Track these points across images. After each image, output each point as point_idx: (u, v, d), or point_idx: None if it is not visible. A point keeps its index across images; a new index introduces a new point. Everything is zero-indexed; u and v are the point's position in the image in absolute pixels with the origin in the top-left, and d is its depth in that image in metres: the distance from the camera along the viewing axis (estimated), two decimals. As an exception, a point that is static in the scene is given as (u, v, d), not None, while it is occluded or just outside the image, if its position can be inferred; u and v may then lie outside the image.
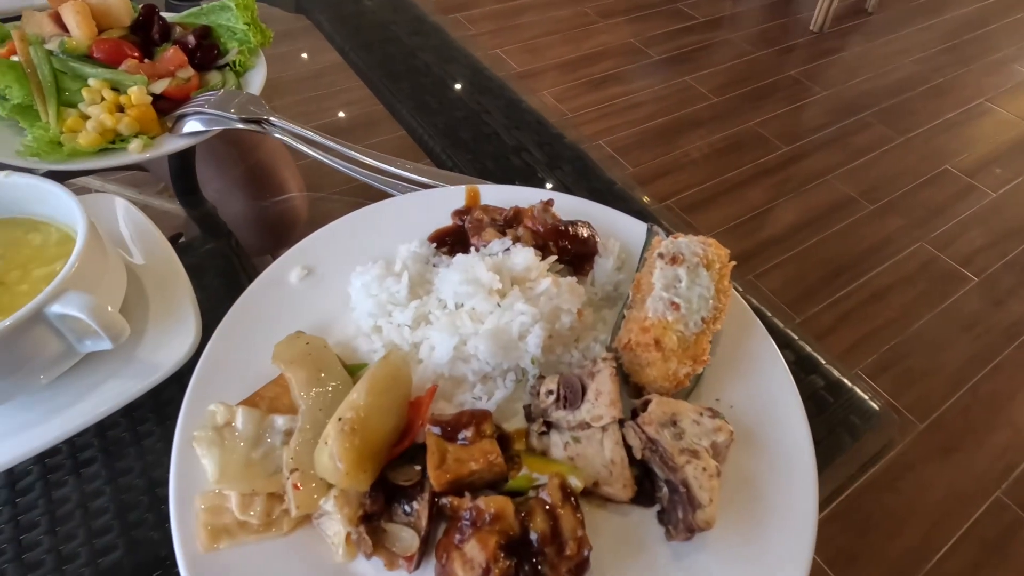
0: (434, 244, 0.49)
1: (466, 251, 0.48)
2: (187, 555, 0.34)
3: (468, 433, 0.36)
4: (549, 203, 0.47)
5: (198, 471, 0.36)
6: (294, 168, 0.66)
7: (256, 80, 0.64)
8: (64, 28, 0.58)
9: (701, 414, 0.36)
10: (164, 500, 0.35)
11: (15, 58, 0.55)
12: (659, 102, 3.07)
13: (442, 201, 0.53)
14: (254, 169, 0.68)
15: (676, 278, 0.40)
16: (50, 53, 0.56)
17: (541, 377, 0.38)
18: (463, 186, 0.53)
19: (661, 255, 0.42)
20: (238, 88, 0.63)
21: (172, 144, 0.56)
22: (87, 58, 0.58)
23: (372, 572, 0.35)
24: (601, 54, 3.46)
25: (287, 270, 0.46)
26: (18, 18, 0.63)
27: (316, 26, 0.83)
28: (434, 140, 0.65)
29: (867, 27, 3.54)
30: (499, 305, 0.39)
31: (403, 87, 0.73)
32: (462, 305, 0.40)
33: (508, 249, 0.43)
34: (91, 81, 0.56)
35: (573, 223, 0.46)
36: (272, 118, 0.56)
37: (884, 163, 2.65)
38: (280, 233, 0.63)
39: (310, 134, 0.56)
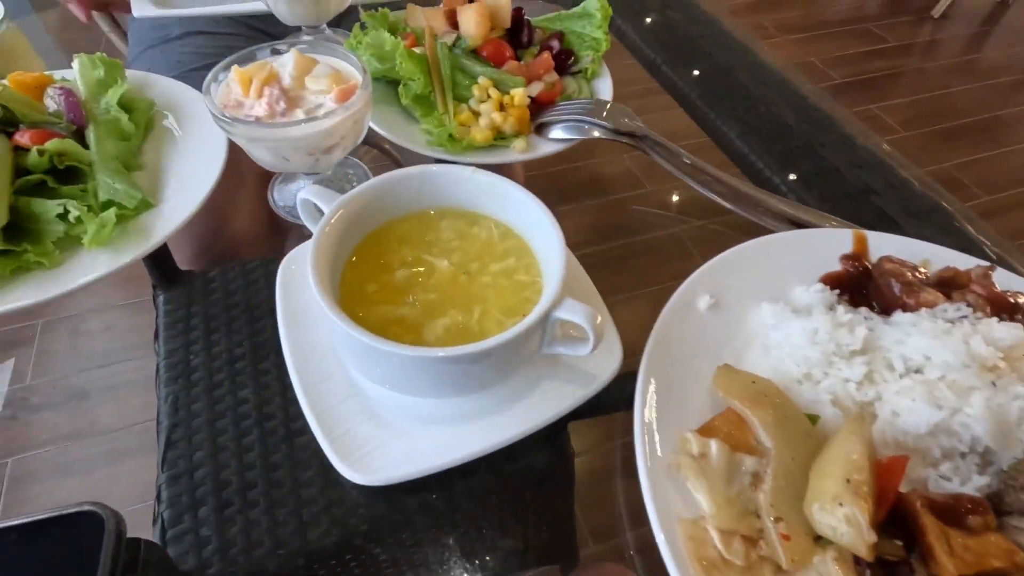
0: (829, 288, 0.47)
1: (859, 299, 0.47)
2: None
3: (972, 521, 0.33)
4: (991, 268, 0.44)
5: (669, 496, 0.37)
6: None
7: (605, 88, 0.65)
8: (455, 25, 0.61)
9: None
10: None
11: (417, 50, 0.59)
12: (840, 129, 2.85)
13: (824, 242, 0.51)
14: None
15: None
16: (450, 49, 0.59)
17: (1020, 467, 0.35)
18: (849, 229, 0.51)
19: None
20: (590, 95, 0.64)
21: (546, 147, 0.58)
22: (476, 56, 0.61)
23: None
24: (778, 71, 3.25)
25: (696, 296, 0.46)
26: (376, 7, 0.68)
27: (617, 37, 0.83)
28: (773, 171, 0.63)
29: (1105, 72, 3.10)
30: (994, 384, 0.36)
31: (725, 108, 0.71)
32: (917, 371, 0.38)
33: (966, 317, 0.40)
34: (480, 79, 0.59)
35: (1015, 293, 0.43)
36: (648, 132, 0.57)
37: (1118, 229, 2.31)
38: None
39: (684, 154, 0.55)
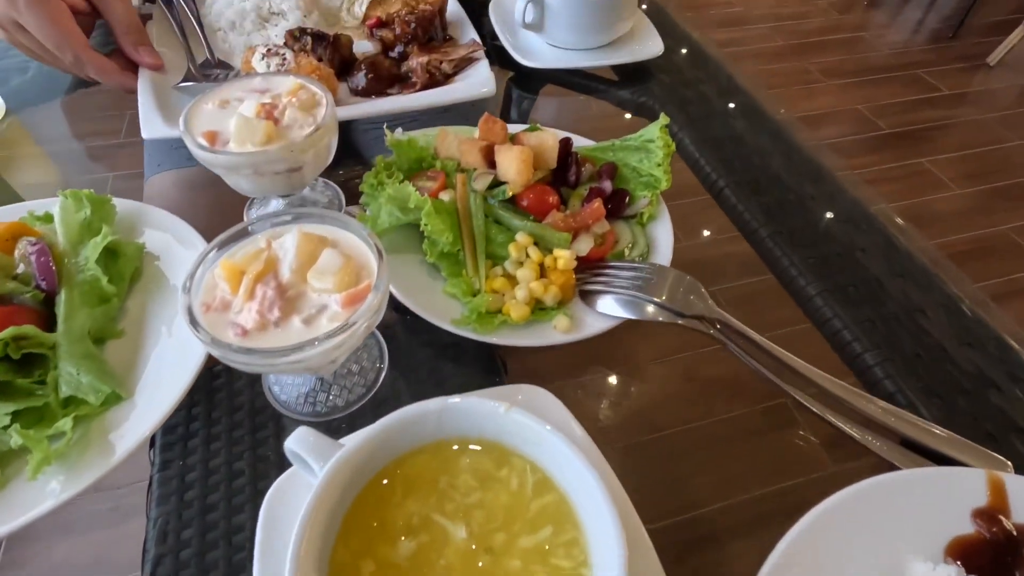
0: (958, 563, 0.36)
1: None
2: None
3: None
4: None
5: None
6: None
7: (664, 236, 0.55)
8: (492, 164, 0.52)
9: None
10: None
11: (446, 196, 0.50)
12: (888, 183, 2.72)
13: (950, 486, 0.40)
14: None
15: None
16: (484, 199, 0.50)
17: None
18: (981, 471, 0.40)
19: None
20: (647, 250, 0.54)
21: (594, 325, 0.48)
22: (514, 206, 0.52)
23: None
24: (823, 118, 3.16)
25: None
26: (393, 127, 0.59)
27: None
28: (877, 361, 0.52)
29: None
30: None
31: (801, 255, 0.61)
32: None
33: None
34: (519, 236, 0.50)
35: None
36: (720, 315, 0.46)
37: None
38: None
39: (767, 345, 0.45)
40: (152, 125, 0.61)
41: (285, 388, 0.47)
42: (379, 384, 0.48)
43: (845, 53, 3.71)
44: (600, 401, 0.49)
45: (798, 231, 0.64)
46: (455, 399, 0.36)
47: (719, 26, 3.92)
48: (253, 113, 0.47)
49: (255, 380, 0.48)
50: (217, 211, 0.60)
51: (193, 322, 0.35)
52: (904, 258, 0.61)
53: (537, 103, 0.74)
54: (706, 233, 0.63)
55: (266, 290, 0.36)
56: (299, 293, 0.37)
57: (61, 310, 0.44)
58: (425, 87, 0.66)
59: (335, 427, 0.46)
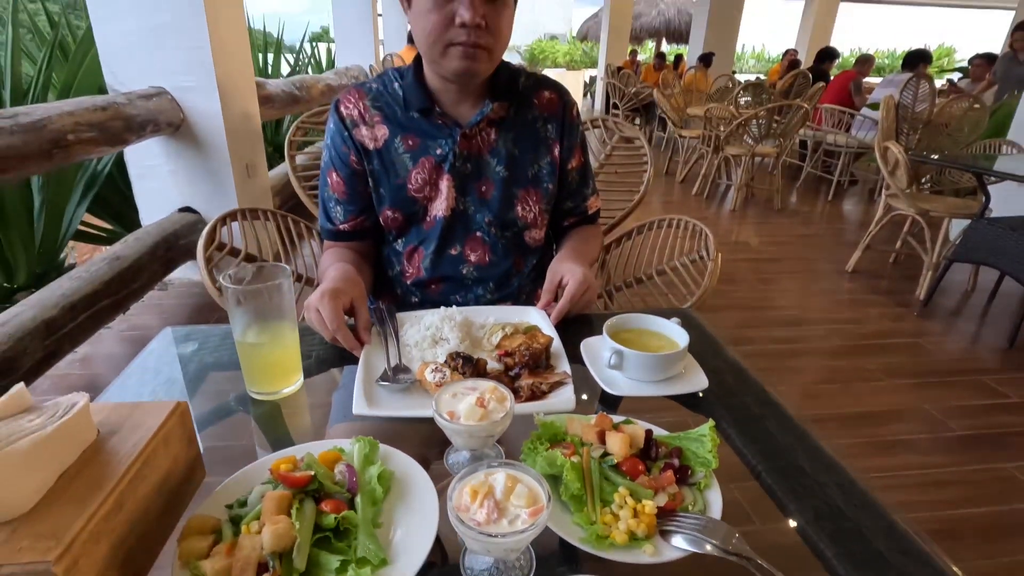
0: None
1: None
2: None
3: None
4: None
5: None
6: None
7: (715, 499, 0.84)
8: (602, 441, 0.87)
9: None
10: None
11: (575, 458, 0.84)
12: (971, 487, 2.72)
13: None
14: None
15: None
16: (599, 464, 0.84)
17: None
18: None
19: None
20: (704, 507, 0.83)
21: (669, 553, 0.75)
22: (617, 469, 0.85)
23: None
24: (888, 415, 3.31)
25: None
26: (541, 412, 0.96)
27: (724, 438, 1.05)
28: None
29: None
30: None
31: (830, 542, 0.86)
32: None
33: None
34: (620, 489, 0.81)
35: None
36: (752, 555, 0.73)
37: None
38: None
39: None
40: (360, 404, 0.99)
41: (474, 562, 0.76)
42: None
43: (904, 356, 3.99)
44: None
45: (819, 509, 0.89)
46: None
47: (778, 325, 4.39)
48: (474, 402, 0.87)
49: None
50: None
51: (457, 516, 0.68)
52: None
53: (628, 405, 1.11)
54: (745, 501, 0.90)
55: (488, 502, 0.69)
56: (505, 506, 0.70)
57: (359, 504, 0.78)
58: (529, 399, 1.03)
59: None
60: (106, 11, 3.59)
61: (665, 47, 23.26)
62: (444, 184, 1.42)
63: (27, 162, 2.53)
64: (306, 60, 10.06)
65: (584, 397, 1.07)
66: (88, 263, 3.25)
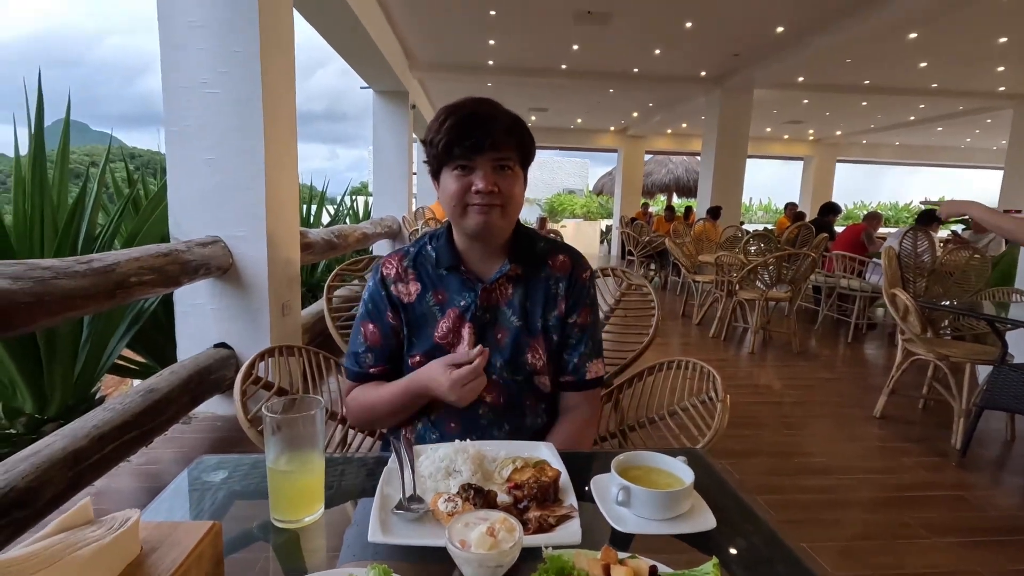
0: None
1: None
2: None
3: None
4: None
5: None
6: None
7: None
8: (608, 574, 0.90)
9: None
10: None
11: None
12: (1041, 667, 2.41)
13: None
14: None
15: None
16: None
17: None
18: None
19: None
20: None
21: None
22: None
23: None
24: (933, 576, 3.03)
25: None
26: (552, 547, 0.99)
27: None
28: None
29: None
30: None
31: None
32: None
33: None
34: None
35: None
36: None
37: None
38: None
39: None
40: (375, 532, 1.03)
41: None
42: None
43: (947, 510, 3.76)
44: None
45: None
46: None
47: (807, 473, 4.21)
48: (485, 531, 0.92)
49: None
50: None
51: None
52: None
53: (638, 544, 1.13)
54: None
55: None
56: (509, 635, 0.73)
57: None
58: (537, 531, 1.06)
59: None
60: (181, 173, 4.17)
61: (676, 200, 25.05)
62: (466, 331, 1.62)
63: (92, 302, 2.81)
64: (345, 211, 11.09)
65: (593, 534, 1.10)
66: (123, 395, 3.40)
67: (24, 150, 3.59)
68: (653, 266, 12.84)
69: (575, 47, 10.44)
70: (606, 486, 1.25)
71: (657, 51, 10.59)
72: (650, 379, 2.19)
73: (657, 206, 26.96)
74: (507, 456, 1.34)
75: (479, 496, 1.14)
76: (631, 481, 1.16)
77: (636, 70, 11.99)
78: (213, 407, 4.44)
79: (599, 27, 9.14)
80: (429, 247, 1.65)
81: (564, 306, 1.67)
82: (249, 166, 4.15)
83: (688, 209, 15.67)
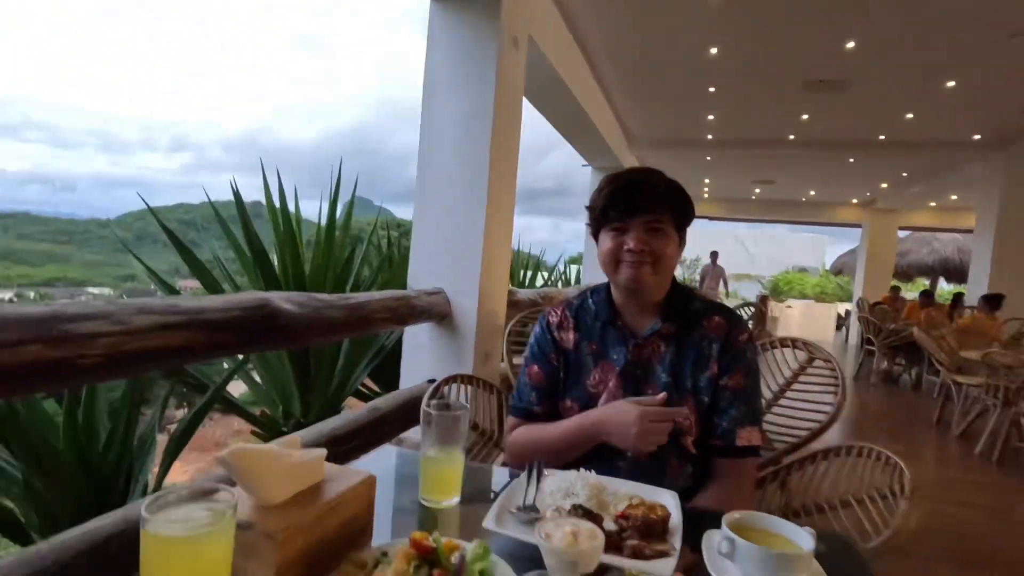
0: None
1: None
2: None
3: None
4: None
5: None
6: None
7: None
8: None
9: None
10: None
11: None
12: None
13: None
14: None
15: None
16: None
17: None
18: None
19: None
20: None
21: None
22: None
23: None
24: None
25: None
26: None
27: None
28: None
29: None
30: None
31: None
32: None
33: None
34: None
35: None
36: None
37: None
38: None
39: None
40: (490, 520, 1.21)
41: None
42: None
43: None
44: None
45: None
46: None
47: None
48: (568, 531, 1.04)
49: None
50: None
51: None
52: None
53: None
54: None
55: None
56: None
57: (464, 586, 1.00)
58: (631, 556, 1.12)
59: None
60: (420, 236, 5.15)
61: (945, 286, 20.71)
62: (613, 383, 1.65)
63: (347, 328, 3.65)
64: (558, 276, 11.94)
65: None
66: (356, 410, 4.22)
67: (324, 220, 4.96)
68: (899, 359, 10.80)
69: (804, 117, 9.85)
70: (715, 540, 1.24)
71: (909, 115, 9.35)
72: (824, 463, 1.99)
73: (915, 291, 22.63)
74: (626, 494, 1.41)
75: (587, 517, 1.25)
76: (742, 537, 1.14)
77: (882, 137, 10.66)
78: (418, 434, 5.13)
79: (834, 94, 8.54)
80: (590, 300, 1.79)
81: (716, 367, 1.67)
82: (471, 233, 4.93)
83: (958, 296, 12.91)
